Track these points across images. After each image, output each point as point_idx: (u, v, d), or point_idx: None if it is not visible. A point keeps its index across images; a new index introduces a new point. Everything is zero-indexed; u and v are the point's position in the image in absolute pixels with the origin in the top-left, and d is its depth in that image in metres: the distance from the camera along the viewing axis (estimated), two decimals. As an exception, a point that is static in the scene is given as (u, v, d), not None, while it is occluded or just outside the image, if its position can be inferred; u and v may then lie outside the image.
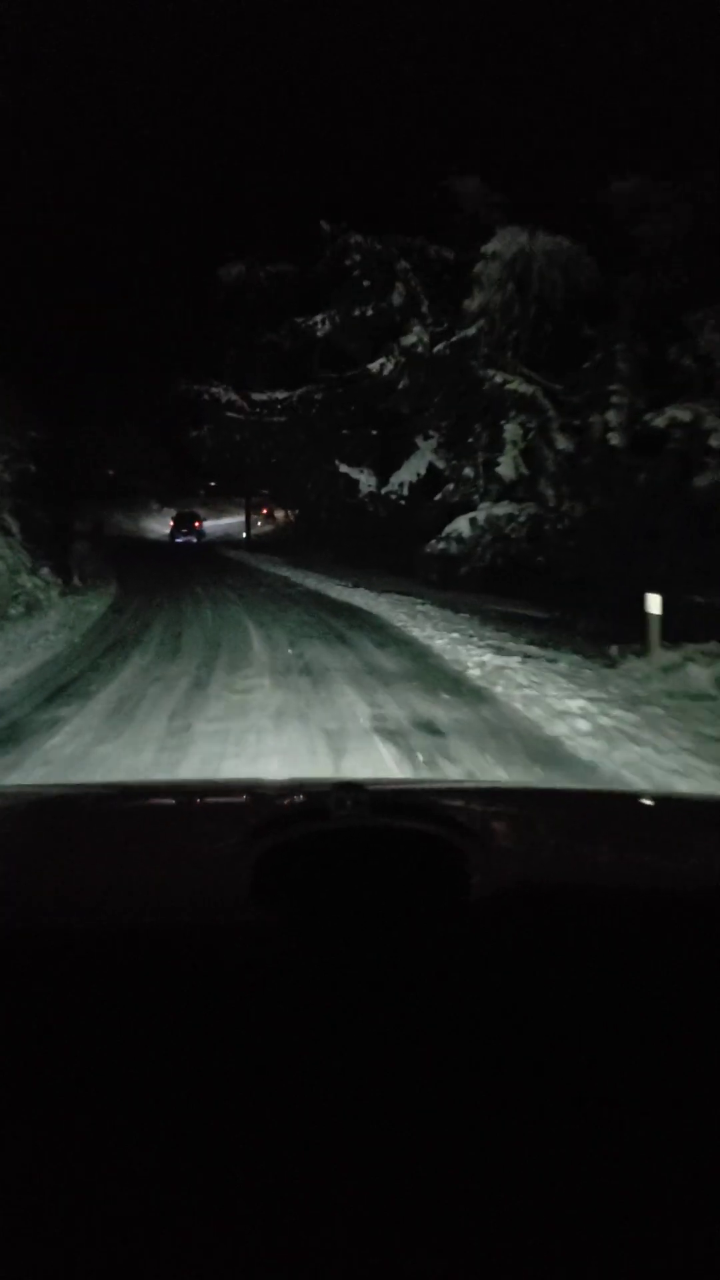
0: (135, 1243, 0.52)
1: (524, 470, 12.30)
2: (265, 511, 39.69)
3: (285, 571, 21.41)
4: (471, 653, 8.96)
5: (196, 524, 37.18)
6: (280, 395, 21.45)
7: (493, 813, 1.40)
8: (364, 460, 19.78)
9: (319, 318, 18.06)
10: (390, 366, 15.38)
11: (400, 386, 15.45)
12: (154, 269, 28.39)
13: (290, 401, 21.32)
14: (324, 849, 0.94)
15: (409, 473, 18.41)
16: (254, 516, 35.56)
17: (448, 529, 14.91)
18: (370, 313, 16.42)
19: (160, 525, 41.91)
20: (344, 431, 20.28)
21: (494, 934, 0.83)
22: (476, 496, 14.07)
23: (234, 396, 22.08)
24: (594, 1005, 0.72)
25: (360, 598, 15.23)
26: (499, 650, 9.05)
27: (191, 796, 1.75)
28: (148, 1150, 0.58)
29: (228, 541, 35.65)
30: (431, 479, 17.76)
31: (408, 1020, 0.68)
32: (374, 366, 15.63)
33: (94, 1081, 0.63)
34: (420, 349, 15.10)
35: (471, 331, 13.14)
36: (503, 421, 12.35)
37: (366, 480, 19.26)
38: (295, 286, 20.77)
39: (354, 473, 19.48)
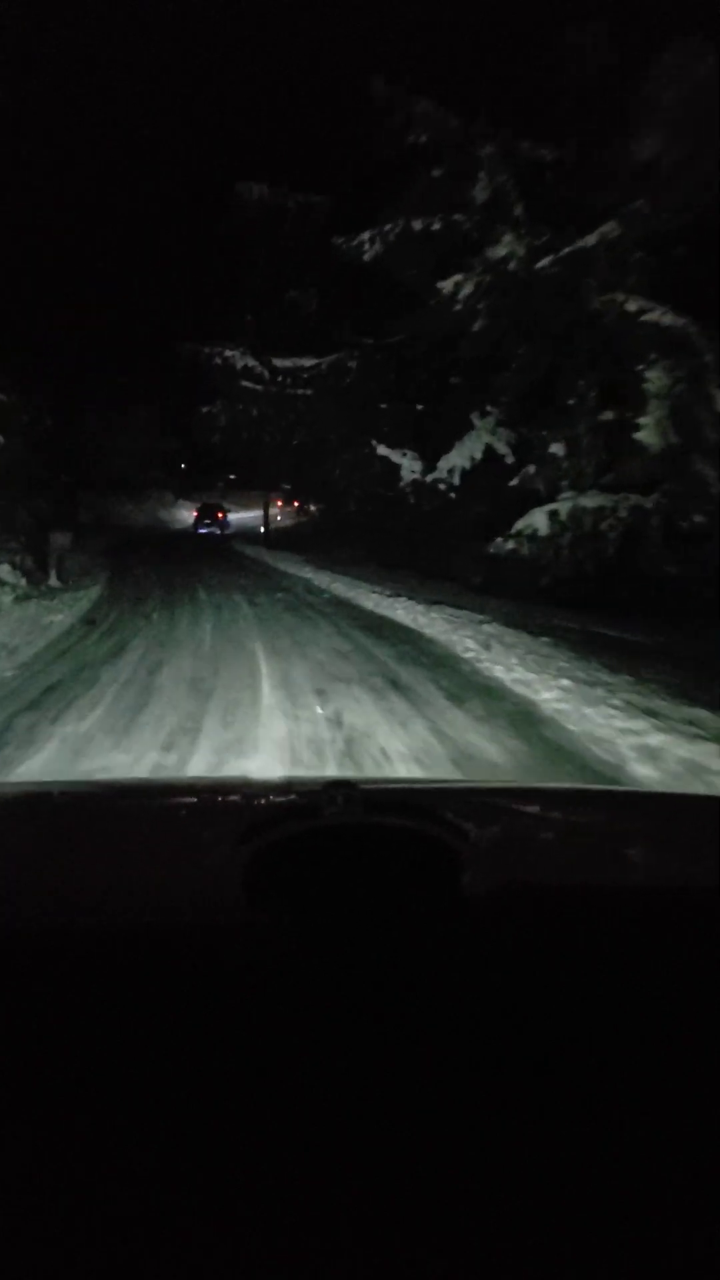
0: (135, 1243, 0.51)
1: (674, 438, 8.87)
2: (296, 505, 37.63)
3: (308, 573, 18.20)
4: (612, 719, 5.59)
5: (220, 515, 36.22)
6: (306, 362, 17.94)
7: (486, 811, 1.36)
8: (405, 441, 16.27)
9: (366, 235, 13.94)
10: (468, 289, 11.63)
11: (475, 328, 11.81)
12: (160, 215, 24.70)
13: (319, 370, 17.80)
14: (316, 848, 0.92)
15: (462, 456, 14.92)
16: (273, 510, 32.81)
17: (519, 524, 11.52)
18: (437, 225, 12.57)
19: (175, 517, 41.40)
20: (382, 406, 16.74)
21: (486, 932, 0.81)
22: (565, 482, 10.61)
23: (251, 362, 18.64)
24: (590, 1003, 0.70)
25: (404, 611, 11.92)
26: (650, 716, 5.67)
27: (184, 795, 1.69)
28: (148, 1150, 0.57)
29: (244, 536, 33.26)
30: (490, 464, 14.37)
31: (401, 1018, 0.67)
32: (446, 285, 11.72)
33: (90, 1082, 0.62)
34: (514, 265, 11.33)
35: (592, 240, 9.54)
36: (641, 368, 8.86)
37: (409, 465, 15.65)
38: (329, 223, 17.14)
39: (394, 456, 15.90)
